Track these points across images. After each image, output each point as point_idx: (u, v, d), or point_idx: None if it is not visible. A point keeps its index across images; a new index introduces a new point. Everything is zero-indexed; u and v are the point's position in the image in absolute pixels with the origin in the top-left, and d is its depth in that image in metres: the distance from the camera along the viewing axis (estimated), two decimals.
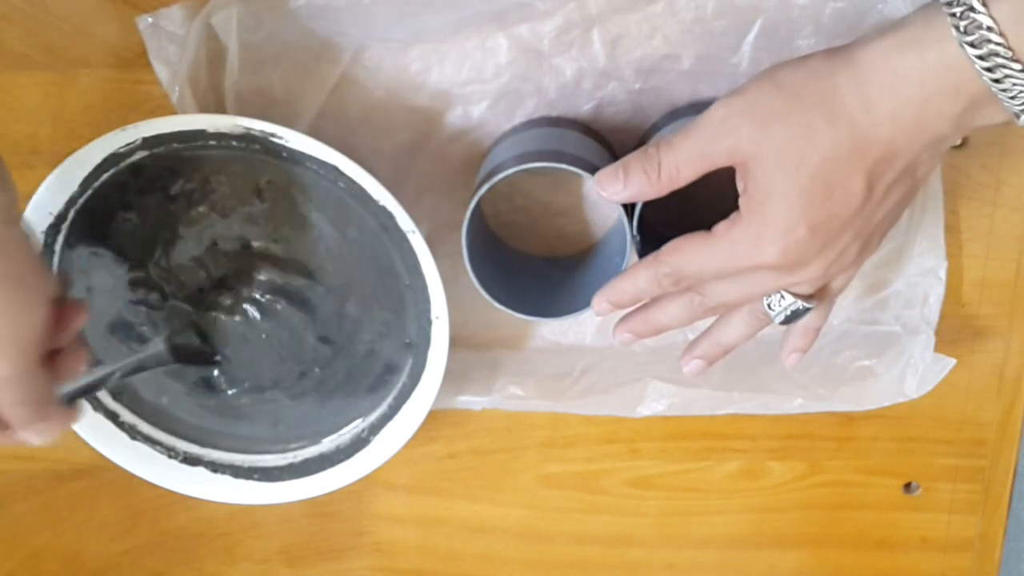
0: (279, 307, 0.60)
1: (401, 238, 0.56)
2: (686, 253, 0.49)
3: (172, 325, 0.61)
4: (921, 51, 0.43)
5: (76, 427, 0.62)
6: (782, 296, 0.50)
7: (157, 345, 0.60)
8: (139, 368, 0.60)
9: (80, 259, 0.60)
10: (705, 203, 0.60)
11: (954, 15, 0.41)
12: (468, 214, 0.53)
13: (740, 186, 0.47)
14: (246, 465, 0.64)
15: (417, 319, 0.59)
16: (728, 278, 0.49)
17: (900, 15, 0.45)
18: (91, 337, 0.61)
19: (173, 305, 0.60)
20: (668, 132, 0.55)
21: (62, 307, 0.50)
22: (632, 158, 0.49)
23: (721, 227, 0.48)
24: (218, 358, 0.62)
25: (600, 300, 0.52)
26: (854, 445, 0.66)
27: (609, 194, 0.50)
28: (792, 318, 0.50)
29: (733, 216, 0.48)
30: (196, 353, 0.61)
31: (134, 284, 0.60)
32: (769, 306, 0.50)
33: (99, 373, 0.58)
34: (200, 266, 0.60)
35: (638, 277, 0.51)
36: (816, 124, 0.44)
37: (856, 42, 0.45)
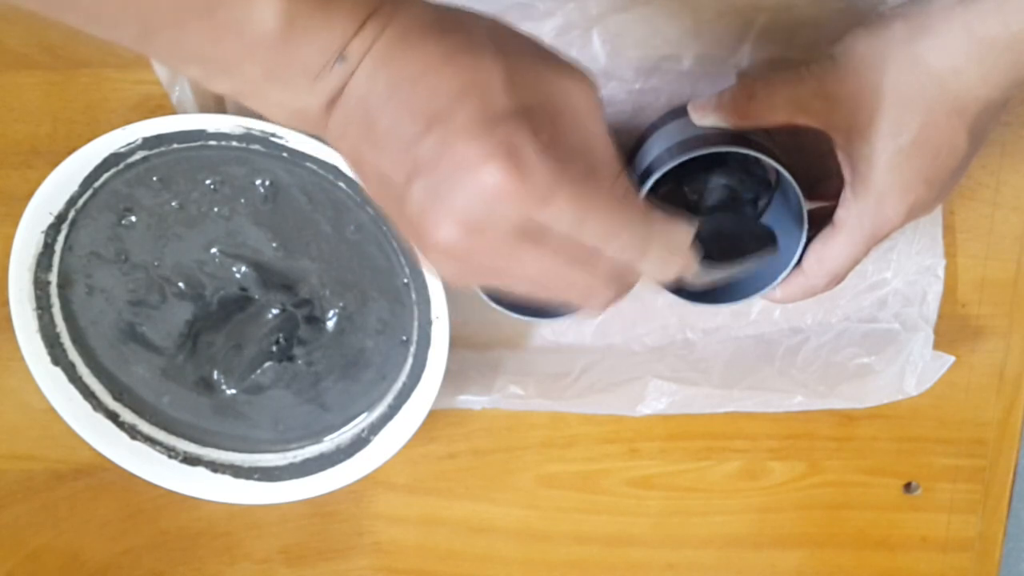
0: (274, 309, 0.60)
1: (401, 238, 0.56)
2: (828, 260, 0.50)
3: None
4: (1004, 18, 0.43)
5: (76, 427, 0.62)
6: None
7: None
8: None
9: (80, 259, 0.60)
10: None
11: None
12: None
13: (842, 156, 0.48)
14: (246, 465, 0.64)
15: (417, 319, 0.59)
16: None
17: None
18: (91, 337, 0.61)
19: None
20: (668, 130, 0.55)
21: None
22: (727, 88, 0.51)
23: (841, 214, 0.49)
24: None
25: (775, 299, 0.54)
26: (854, 445, 0.66)
27: (697, 117, 0.51)
28: None
29: (844, 198, 0.49)
30: None
31: (134, 284, 0.60)
32: None
33: None
34: (200, 266, 0.60)
35: (800, 294, 0.53)
36: (907, 92, 0.45)
37: (930, 7, 0.45)
